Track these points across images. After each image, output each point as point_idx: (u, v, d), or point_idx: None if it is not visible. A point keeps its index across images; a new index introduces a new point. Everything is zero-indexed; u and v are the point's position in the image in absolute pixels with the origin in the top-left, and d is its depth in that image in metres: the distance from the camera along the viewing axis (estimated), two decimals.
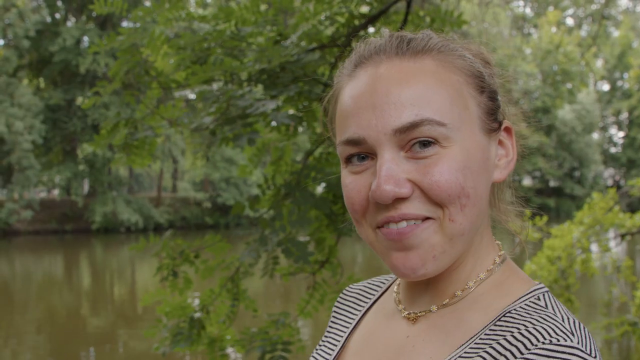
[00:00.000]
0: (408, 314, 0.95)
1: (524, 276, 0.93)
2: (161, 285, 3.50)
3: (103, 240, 34.39)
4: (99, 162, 36.31)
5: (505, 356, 0.78)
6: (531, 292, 0.88)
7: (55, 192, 42.03)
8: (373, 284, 1.13)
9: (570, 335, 0.77)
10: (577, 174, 50.23)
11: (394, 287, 1.04)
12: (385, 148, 0.84)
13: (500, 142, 0.92)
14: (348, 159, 0.89)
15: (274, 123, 3.36)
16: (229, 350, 3.79)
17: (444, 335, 0.88)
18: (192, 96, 3.50)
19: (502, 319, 0.84)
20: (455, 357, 0.84)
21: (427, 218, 0.85)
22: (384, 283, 1.12)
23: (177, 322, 3.41)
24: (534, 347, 0.76)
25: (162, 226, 37.74)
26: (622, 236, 7.30)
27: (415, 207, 0.84)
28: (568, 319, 0.82)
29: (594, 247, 7.31)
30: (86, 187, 40.72)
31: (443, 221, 0.84)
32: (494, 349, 0.80)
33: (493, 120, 0.91)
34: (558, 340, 0.76)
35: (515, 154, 0.94)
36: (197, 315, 3.43)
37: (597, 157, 49.75)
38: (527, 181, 48.42)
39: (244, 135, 2.88)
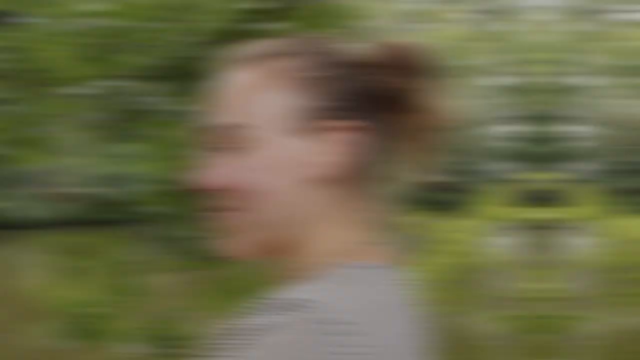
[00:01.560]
0: None
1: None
2: (59, 280, 3.47)
3: None
4: None
5: None
6: None
7: None
8: None
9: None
10: None
11: None
12: None
13: (328, 140, 0.85)
14: None
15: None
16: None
17: None
18: (89, 91, 3.49)
19: None
20: None
21: None
22: None
23: (74, 316, 3.38)
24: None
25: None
26: None
27: None
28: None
29: None
30: None
31: None
32: None
33: (306, 120, 0.86)
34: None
35: (343, 153, 0.85)
36: (95, 309, 3.41)
37: None
38: None
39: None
